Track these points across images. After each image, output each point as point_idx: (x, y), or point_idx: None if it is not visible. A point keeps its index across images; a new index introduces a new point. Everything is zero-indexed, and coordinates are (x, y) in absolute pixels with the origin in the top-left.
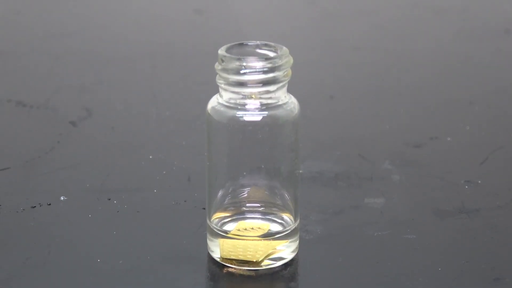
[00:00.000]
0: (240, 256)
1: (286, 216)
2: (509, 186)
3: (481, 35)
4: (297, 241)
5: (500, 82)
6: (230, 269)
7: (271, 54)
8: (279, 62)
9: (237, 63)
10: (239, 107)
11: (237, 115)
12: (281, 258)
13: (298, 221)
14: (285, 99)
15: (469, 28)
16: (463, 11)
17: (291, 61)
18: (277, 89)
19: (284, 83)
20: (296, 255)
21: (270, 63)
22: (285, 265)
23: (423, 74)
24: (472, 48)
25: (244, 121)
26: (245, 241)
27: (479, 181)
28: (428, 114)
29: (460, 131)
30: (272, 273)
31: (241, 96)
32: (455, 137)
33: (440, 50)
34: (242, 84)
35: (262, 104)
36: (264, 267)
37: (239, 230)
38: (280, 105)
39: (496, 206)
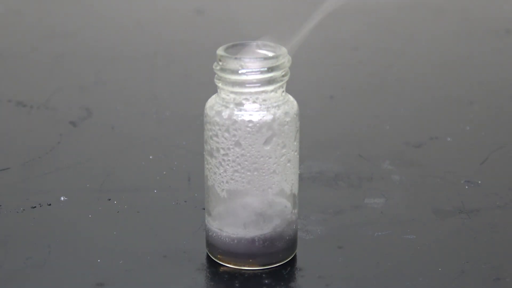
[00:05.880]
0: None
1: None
2: (509, 186)
3: (481, 35)
4: (295, 244)
5: (500, 82)
6: (228, 269)
7: (270, 54)
8: (277, 62)
9: (235, 63)
10: (237, 107)
11: (235, 114)
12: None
13: (296, 221)
14: (283, 99)
15: (469, 28)
16: (463, 11)
17: (290, 61)
18: (275, 89)
19: (282, 83)
20: (296, 255)
21: (268, 63)
22: (285, 265)
23: (423, 74)
24: (472, 48)
25: (242, 121)
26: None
27: (479, 181)
28: (428, 114)
29: (460, 131)
30: (272, 273)
31: (239, 96)
32: (455, 137)
33: (440, 50)
34: (240, 84)
35: (260, 104)
36: (262, 268)
37: None
38: (278, 105)
39: (496, 206)
